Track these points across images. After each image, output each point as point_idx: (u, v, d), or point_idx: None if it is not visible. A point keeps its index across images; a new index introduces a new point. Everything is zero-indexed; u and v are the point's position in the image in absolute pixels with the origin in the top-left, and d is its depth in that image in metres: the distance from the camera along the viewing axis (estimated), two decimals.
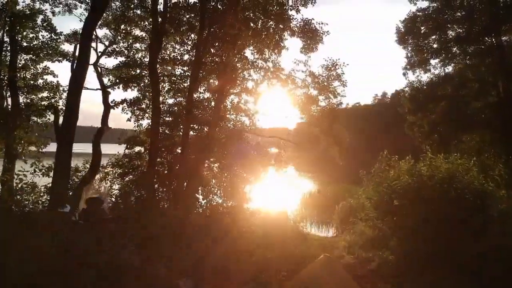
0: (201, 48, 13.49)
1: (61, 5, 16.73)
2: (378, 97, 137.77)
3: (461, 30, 20.30)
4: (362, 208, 12.29)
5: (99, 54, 16.78)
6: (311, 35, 14.95)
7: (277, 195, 20.30)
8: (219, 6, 14.53)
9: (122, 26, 14.88)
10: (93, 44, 17.07)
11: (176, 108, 15.52)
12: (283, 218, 12.80)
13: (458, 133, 20.19)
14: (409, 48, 22.00)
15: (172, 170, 14.17)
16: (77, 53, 12.61)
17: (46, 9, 16.14)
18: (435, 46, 21.63)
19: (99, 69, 16.63)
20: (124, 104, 14.66)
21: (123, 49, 15.18)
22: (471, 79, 20.10)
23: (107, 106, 15.40)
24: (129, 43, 15.20)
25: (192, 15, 13.94)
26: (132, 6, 14.49)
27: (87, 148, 17.83)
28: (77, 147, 23.49)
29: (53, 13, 16.96)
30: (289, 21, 14.72)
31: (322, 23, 14.49)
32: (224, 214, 11.04)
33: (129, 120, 14.50)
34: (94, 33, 16.24)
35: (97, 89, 16.79)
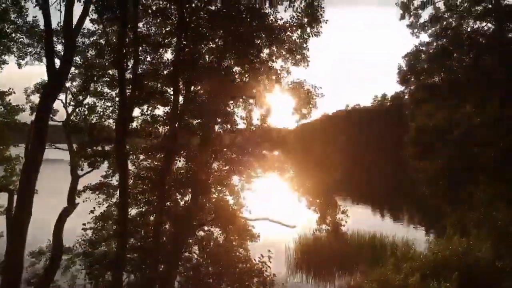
0: (176, 122, 11.82)
1: (29, 55, 15.50)
2: (378, 98, 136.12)
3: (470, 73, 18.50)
4: None
5: (69, 111, 15.16)
6: (303, 96, 13.35)
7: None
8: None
9: (87, 100, 13.20)
10: (62, 97, 15.56)
11: (152, 173, 13.77)
12: None
13: (467, 183, 18.49)
14: (412, 87, 20.28)
15: (147, 254, 12.52)
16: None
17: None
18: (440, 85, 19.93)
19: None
20: (88, 190, 12.86)
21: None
22: (481, 125, 18.32)
23: (75, 178, 13.69)
24: (92, 121, 13.40)
25: (165, 82, 12.20)
26: (96, 77, 12.69)
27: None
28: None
29: (19, 65, 15.56)
30: (279, 81, 13.12)
31: (315, 87, 12.80)
32: None
33: (92, 211, 12.65)
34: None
35: (66, 149, 15.21)
